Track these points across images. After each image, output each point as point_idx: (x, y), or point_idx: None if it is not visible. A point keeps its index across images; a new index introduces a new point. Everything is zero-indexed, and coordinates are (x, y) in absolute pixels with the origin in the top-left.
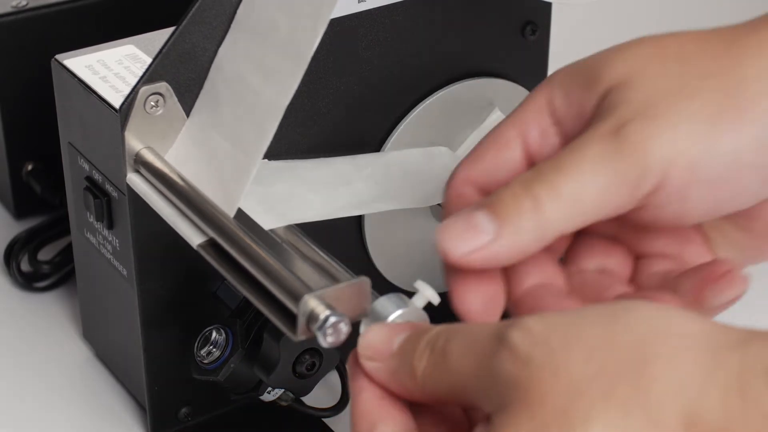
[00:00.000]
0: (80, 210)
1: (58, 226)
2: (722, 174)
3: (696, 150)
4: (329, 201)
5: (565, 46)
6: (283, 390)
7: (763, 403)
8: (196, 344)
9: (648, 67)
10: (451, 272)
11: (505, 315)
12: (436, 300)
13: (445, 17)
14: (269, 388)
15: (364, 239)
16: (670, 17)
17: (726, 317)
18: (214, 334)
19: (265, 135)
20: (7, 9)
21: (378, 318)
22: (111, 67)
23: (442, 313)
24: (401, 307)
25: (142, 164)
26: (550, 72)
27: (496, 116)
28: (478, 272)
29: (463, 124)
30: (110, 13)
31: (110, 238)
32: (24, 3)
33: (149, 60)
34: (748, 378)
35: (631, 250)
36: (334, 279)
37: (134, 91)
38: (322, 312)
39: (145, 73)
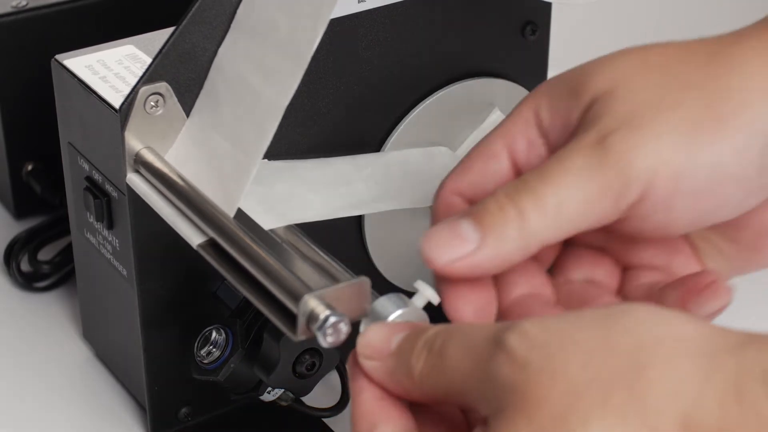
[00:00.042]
0: (80, 210)
1: (58, 226)
2: (705, 184)
3: (679, 160)
4: (329, 201)
5: (565, 46)
6: (283, 390)
7: (760, 408)
8: (196, 344)
9: (631, 78)
10: (442, 280)
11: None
12: (436, 300)
13: (445, 17)
14: (269, 388)
15: (364, 239)
16: (670, 17)
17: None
18: (214, 334)
19: (265, 135)
20: (7, 9)
21: (378, 318)
22: (111, 67)
23: (442, 312)
24: (401, 307)
25: (142, 164)
26: (550, 72)
27: (496, 116)
28: (469, 280)
29: (463, 124)
30: (110, 13)
31: (110, 238)
32: (24, 3)
33: (149, 60)
34: (745, 382)
35: (619, 261)
36: (334, 279)
37: (134, 91)
38: (322, 312)
39: (145, 73)
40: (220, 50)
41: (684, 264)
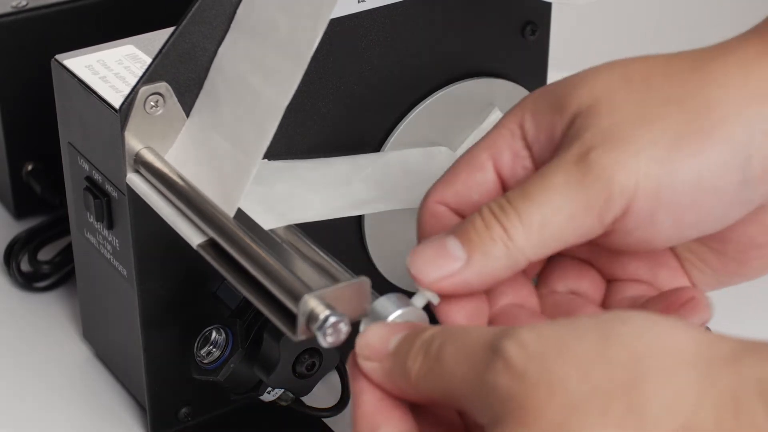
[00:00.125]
0: (80, 210)
1: (58, 226)
2: (686, 198)
3: (660, 175)
4: (329, 201)
5: (565, 46)
6: (283, 390)
7: (757, 421)
8: (196, 344)
9: (614, 92)
10: None
11: None
12: (436, 300)
13: (445, 17)
14: (269, 388)
15: (364, 239)
16: (670, 17)
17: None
18: (214, 334)
19: (265, 135)
20: (7, 9)
21: (378, 318)
22: (111, 67)
23: None
24: (401, 307)
25: (142, 164)
26: (550, 72)
27: (495, 116)
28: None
29: (463, 124)
30: (110, 13)
31: (110, 238)
32: (24, 3)
33: (149, 60)
34: (742, 395)
35: (604, 273)
36: (334, 279)
37: (134, 91)
38: (322, 312)
39: (145, 73)
40: (220, 50)
41: (669, 277)
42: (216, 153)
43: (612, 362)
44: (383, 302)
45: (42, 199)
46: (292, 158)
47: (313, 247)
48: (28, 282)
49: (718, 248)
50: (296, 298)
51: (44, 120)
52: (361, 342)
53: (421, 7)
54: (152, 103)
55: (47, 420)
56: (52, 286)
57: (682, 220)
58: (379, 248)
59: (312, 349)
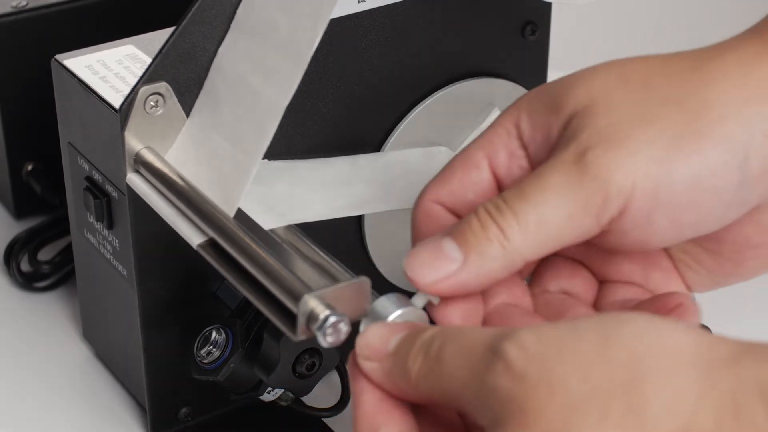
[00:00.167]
0: (80, 210)
1: (58, 226)
2: (684, 199)
3: (657, 175)
4: (329, 201)
5: (565, 46)
6: (283, 390)
7: (757, 422)
8: (196, 344)
9: (611, 92)
10: None
11: None
12: (436, 300)
13: (445, 17)
14: (269, 388)
15: (364, 239)
16: (670, 17)
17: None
18: (214, 334)
19: (265, 135)
20: (7, 9)
21: (378, 318)
22: (111, 67)
23: None
24: (401, 307)
25: (142, 164)
26: (550, 72)
27: (495, 116)
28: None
29: (463, 124)
30: (110, 13)
31: (110, 238)
32: (24, 3)
33: (149, 60)
34: (742, 396)
35: (597, 274)
36: (334, 279)
37: (134, 91)
38: (322, 312)
39: (145, 73)
40: (220, 50)
41: (662, 279)
42: (216, 153)
43: (612, 363)
44: (383, 302)
45: (42, 199)
46: (292, 158)
47: (313, 247)
48: (28, 282)
49: (714, 248)
50: (296, 298)
51: (44, 120)
52: (361, 342)
53: (421, 7)
54: (152, 103)
55: (47, 420)
56: (52, 286)
57: (679, 220)
58: (379, 248)
59: (312, 349)
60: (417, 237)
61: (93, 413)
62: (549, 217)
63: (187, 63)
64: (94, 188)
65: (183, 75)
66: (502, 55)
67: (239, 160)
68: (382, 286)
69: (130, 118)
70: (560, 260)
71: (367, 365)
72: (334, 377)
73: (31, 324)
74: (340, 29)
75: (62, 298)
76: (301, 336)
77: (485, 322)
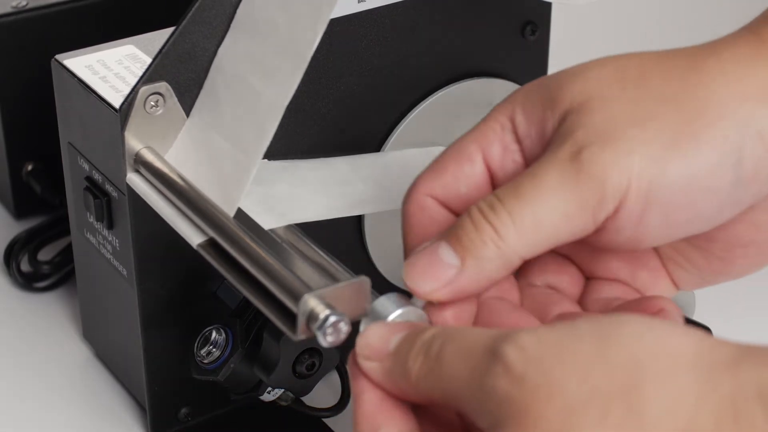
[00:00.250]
0: (80, 210)
1: (58, 226)
2: (678, 198)
3: (652, 174)
4: (329, 201)
5: (565, 46)
6: (283, 390)
7: (757, 425)
8: (196, 344)
9: (607, 89)
10: None
11: None
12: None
13: (445, 17)
14: (269, 388)
15: (364, 239)
16: (670, 17)
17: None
18: (214, 334)
19: (265, 135)
20: (7, 9)
21: (378, 317)
22: (111, 67)
23: None
24: (401, 307)
25: (142, 164)
26: (550, 72)
27: None
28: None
29: (463, 124)
30: (110, 13)
31: (110, 238)
32: (24, 3)
33: (149, 60)
34: (741, 400)
35: (584, 270)
36: (334, 279)
37: (134, 91)
38: (322, 311)
39: (145, 73)
40: (220, 50)
41: (649, 278)
42: (216, 153)
43: (611, 365)
44: (383, 302)
45: (42, 199)
46: (292, 158)
47: (313, 247)
48: (28, 282)
49: (704, 246)
50: (296, 297)
51: (44, 120)
52: (361, 342)
53: (421, 7)
54: (152, 103)
55: (47, 420)
56: (52, 286)
57: (672, 220)
58: (379, 248)
59: (312, 349)
60: (408, 231)
61: (93, 413)
62: (545, 216)
63: (187, 63)
64: (94, 188)
65: (183, 75)
66: (502, 55)
67: (239, 160)
68: (382, 286)
69: (130, 118)
70: (548, 255)
71: (367, 365)
72: (334, 377)
73: (31, 324)
74: (340, 29)
75: (62, 298)
76: (301, 336)
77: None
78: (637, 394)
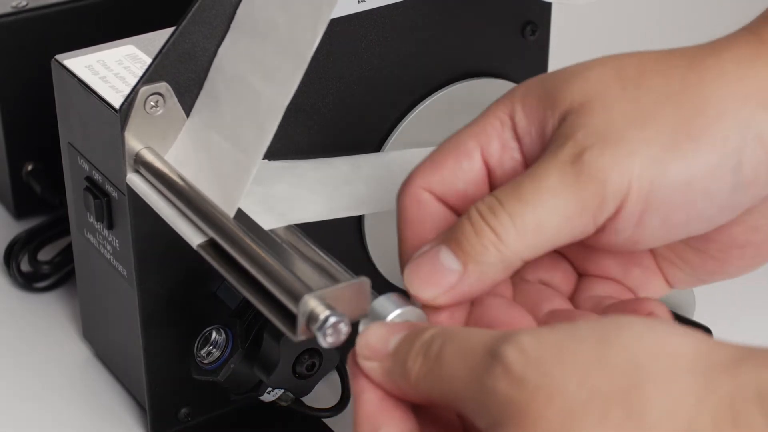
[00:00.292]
0: (80, 210)
1: (58, 226)
2: (677, 200)
3: (651, 177)
4: (329, 201)
5: (565, 46)
6: (283, 390)
7: (755, 428)
8: (196, 344)
9: (607, 89)
10: None
11: None
12: None
13: (445, 17)
14: (269, 389)
15: (364, 239)
16: (670, 17)
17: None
18: (214, 334)
19: (265, 135)
20: (7, 9)
21: (377, 317)
22: (111, 68)
23: None
24: (400, 307)
25: (142, 164)
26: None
27: None
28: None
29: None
30: (110, 13)
31: (110, 239)
32: (24, 3)
33: (149, 60)
34: (740, 403)
35: (577, 267)
36: (334, 279)
37: (134, 91)
38: (322, 312)
39: (145, 73)
40: (220, 50)
41: (641, 276)
42: (216, 153)
43: (611, 367)
44: (382, 302)
45: (42, 199)
46: (292, 158)
47: (313, 247)
48: (28, 282)
49: (700, 247)
50: (296, 298)
51: (44, 120)
52: (360, 341)
53: (421, 7)
54: (152, 103)
55: (47, 420)
56: (52, 286)
57: (670, 221)
58: (379, 248)
59: (312, 349)
60: (404, 225)
61: (93, 413)
62: (547, 219)
63: (187, 63)
64: (94, 188)
65: (183, 75)
66: (502, 55)
67: (239, 160)
68: (382, 286)
69: (130, 118)
70: None
71: (367, 365)
72: (334, 377)
73: (31, 324)
74: (340, 29)
75: (62, 298)
76: (301, 336)
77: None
78: (637, 396)
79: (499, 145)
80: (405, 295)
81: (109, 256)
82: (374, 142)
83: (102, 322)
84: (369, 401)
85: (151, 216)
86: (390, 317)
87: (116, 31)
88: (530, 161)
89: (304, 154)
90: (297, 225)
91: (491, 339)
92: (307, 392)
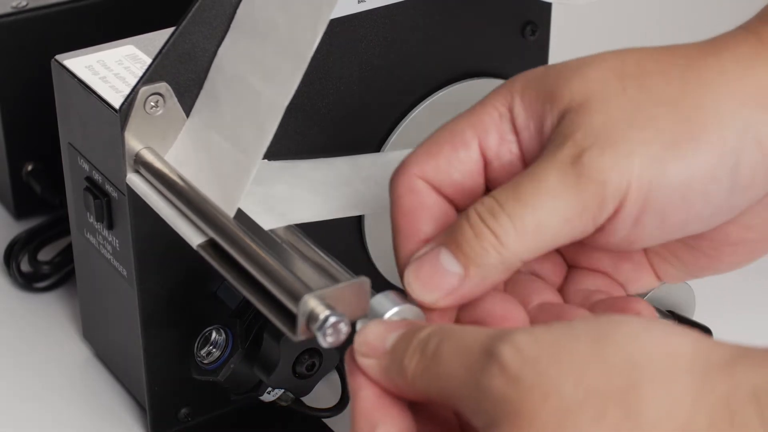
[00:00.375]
0: (80, 210)
1: (58, 226)
2: (675, 201)
3: (650, 178)
4: (329, 201)
5: (565, 46)
6: (283, 390)
7: (751, 428)
8: (196, 344)
9: (606, 88)
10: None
11: None
12: None
13: (445, 17)
14: (269, 389)
15: (364, 239)
16: (670, 17)
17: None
18: (214, 334)
19: (265, 135)
20: (7, 9)
21: (375, 315)
22: (111, 68)
23: None
24: (397, 304)
25: (142, 164)
26: None
27: None
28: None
29: None
30: (110, 13)
31: (110, 239)
32: (24, 3)
33: (149, 60)
34: (736, 402)
35: (567, 259)
36: (334, 279)
37: (134, 91)
38: (322, 312)
39: (145, 74)
40: (220, 50)
41: (632, 270)
42: (216, 153)
43: (608, 366)
44: (380, 299)
45: (42, 199)
46: (292, 158)
47: (313, 247)
48: (28, 282)
49: (693, 244)
50: (296, 298)
51: (44, 120)
52: (358, 339)
53: (421, 7)
54: (152, 104)
55: (47, 420)
56: (52, 286)
57: (667, 222)
58: (379, 248)
59: (312, 349)
60: (398, 214)
61: (93, 413)
62: (547, 220)
63: (187, 63)
64: (94, 188)
65: (183, 75)
66: (502, 55)
67: (239, 160)
68: (382, 286)
69: (130, 118)
70: None
71: (365, 362)
72: (334, 377)
73: (31, 324)
74: (340, 29)
75: (62, 298)
76: (301, 336)
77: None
78: (633, 395)
79: (497, 137)
80: (402, 293)
81: (109, 256)
82: (374, 142)
83: (102, 322)
84: (366, 398)
85: (151, 216)
86: (387, 315)
87: (116, 31)
88: (527, 155)
89: (304, 154)
90: (297, 225)
91: (487, 338)
92: (307, 392)
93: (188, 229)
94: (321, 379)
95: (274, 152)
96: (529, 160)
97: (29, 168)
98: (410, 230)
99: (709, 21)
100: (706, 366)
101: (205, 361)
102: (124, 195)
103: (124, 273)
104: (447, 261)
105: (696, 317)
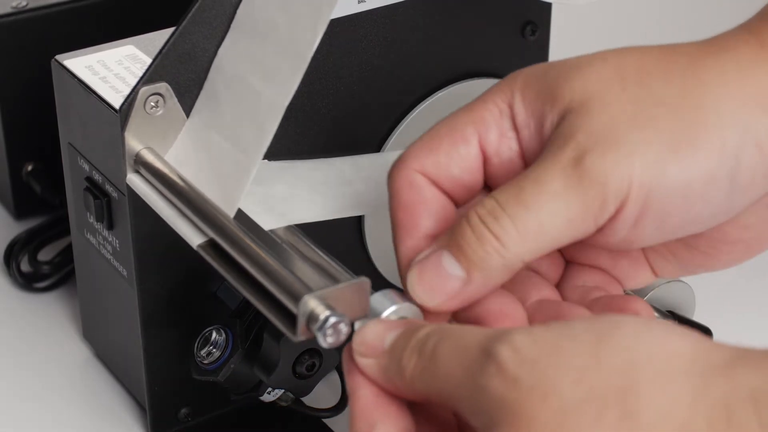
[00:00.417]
0: (80, 210)
1: (58, 227)
2: (675, 202)
3: (651, 177)
4: (329, 201)
5: (565, 46)
6: (283, 390)
7: (749, 430)
8: (196, 345)
9: (607, 89)
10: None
11: None
12: None
13: (445, 17)
14: (269, 389)
15: (364, 239)
16: (670, 17)
17: (727, 317)
18: (214, 334)
19: (265, 135)
20: (7, 9)
21: (373, 314)
22: (111, 68)
23: None
24: (396, 303)
25: (142, 164)
26: None
27: None
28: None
29: None
30: (110, 13)
31: (110, 239)
32: (24, 3)
33: (149, 60)
34: (735, 404)
35: (565, 254)
36: (334, 279)
37: (134, 91)
38: (322, 312)
39: (145, 74)
40: (220, 50)
41: (629, 267)
42: (216, 153)
43: (606, 366)
44: (378, 298)
45: (42, 199)
46: (292, 158)
47: (313, 247)
48: (28, 282)
49: (690, 242)
50: (296, 298)
51: (44, 120)
52: (357, 338)
53: (421, 7)
54: (152, 104)
55: (47, 420)
56: (52, 286)
57: (667, 223)
58: (379, 248)
59: (312, 349)
60: (397, 209)
61: (93, 413)
62: (549, 222)
63: (187, 63)
64: (94, 188)
65: (183, 75)
66: (502, 55)
67: (239, 160)
68: (381, 286)
69: (130, 118)
70: None
71: (363, 361)
72: (334, 378)
73: (31, 324)
74: (340, 29)
75: (62, 298)
76: (301, 336)
77: None
78: (632, 396)
79: (497, 134)
80: (401, 292)
81: (109, 256)
82: (374, 142)
83: (102, 322)
84: (364, 397)
85: (151, 216)
86: (386, 314)
87: (116, 31)
88: (527, 153)
89: (304, 154)
90: (297, 225)
91: (485, 338)
92: (307, 392)
93: (188, 229)
94: (321, 380)
95: (274, 152)
96: (528, 158)
97: (29, 168)
98: (410, 224)
99: (709, 21)
100: (705, 367)
101: (205, 361)
102: (124, 195)
103: (124, 273)
104: (449, 264)
105: (696, 317)
